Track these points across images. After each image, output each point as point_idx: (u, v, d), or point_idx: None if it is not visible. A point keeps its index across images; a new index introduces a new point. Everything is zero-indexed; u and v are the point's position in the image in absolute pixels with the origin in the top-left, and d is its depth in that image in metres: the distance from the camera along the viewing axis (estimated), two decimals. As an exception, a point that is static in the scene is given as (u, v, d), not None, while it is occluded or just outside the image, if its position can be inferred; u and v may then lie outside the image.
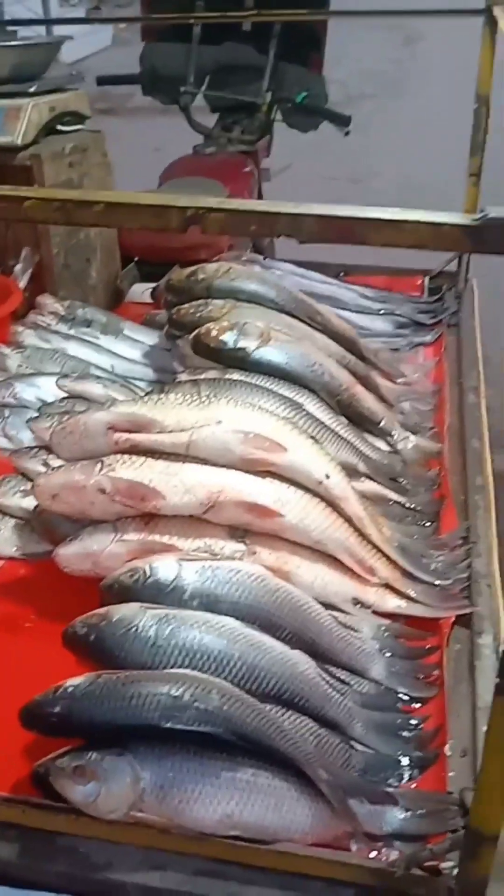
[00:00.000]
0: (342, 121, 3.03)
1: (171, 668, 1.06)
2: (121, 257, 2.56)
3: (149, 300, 2.43)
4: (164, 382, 1.96)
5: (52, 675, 1.20)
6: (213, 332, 1.66)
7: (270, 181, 3.55)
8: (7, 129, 2.08)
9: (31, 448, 1.62)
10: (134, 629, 1.09)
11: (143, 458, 1.33)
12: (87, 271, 2.37)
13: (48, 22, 3.44)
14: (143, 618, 1.10)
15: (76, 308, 2.15)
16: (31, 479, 1.56)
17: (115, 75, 3.24)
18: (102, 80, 3.18)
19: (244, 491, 1.29)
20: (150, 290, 2.38)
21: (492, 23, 2.21)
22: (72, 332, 2.07)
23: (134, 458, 1.33)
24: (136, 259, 2.61)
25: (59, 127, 2.23)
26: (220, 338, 1.65)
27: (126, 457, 1.33)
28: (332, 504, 1.36)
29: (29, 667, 1.26)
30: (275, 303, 1.85)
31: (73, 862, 0.98)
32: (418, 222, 0.71)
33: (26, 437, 1.78)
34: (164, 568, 1.18)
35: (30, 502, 1.52)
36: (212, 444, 1.32)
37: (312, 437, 1.40)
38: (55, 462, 1.56)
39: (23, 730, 1.11)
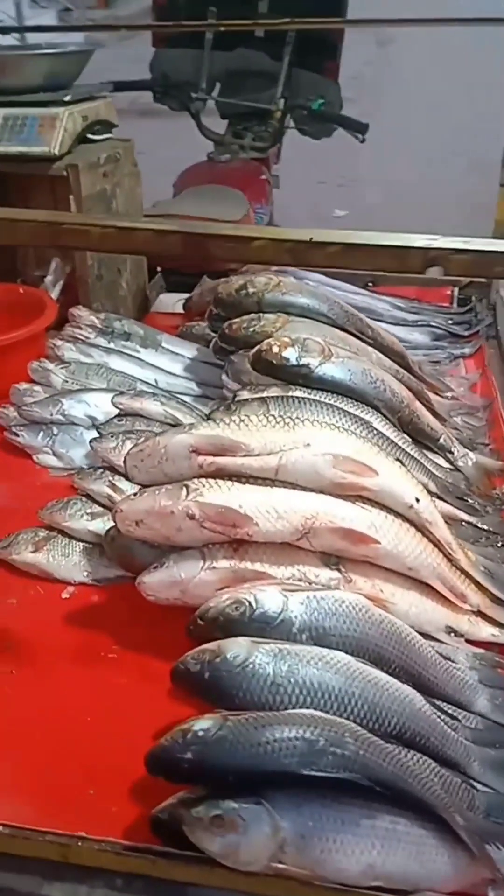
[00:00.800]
0: (359, 128, 3.01)
1: (292, 707, 1.02)
2: (147, 267, 2.51)
3: (176, 310, 2.39)
4: (208, 397, 1.93)
5: (147, 710, 1.17)
6: (275, 349, 1.61)
7: (279, 187, 3.53)
8: (43, 139, 2.02)
9: (95, 469, 1.57)
10: (251, 666, 1.04)
11: (230, 483, 1.28)
12: (118, 282, 2.32)
13: (57, 29, 3.37)
14: (257, 654, 1.05)
15: (113, 320, 2.10)
16: (96, 502, 1.52)
17: (126, 81, 3.18)
18: (113, 86, 3.13)
19: (339, 516, 1.25)
20: (182, 300, 2.34)
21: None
22: (112, 345, 2.02)
23: (221, 482, 1.28)
24: (160, 269, 2.57)
25: (90, 136, 2.18)
26: (283, 354, 1.61)
27: (212, 481, 1.28)
28: (421, 528, 1.33)
29: (122, 701, 1.22)
30: (326, 317, 1.82)
31: (208, 916, 0.94)
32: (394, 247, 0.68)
33: (77, 456, 1.74)
34: (271, 600, 1.14)
35: (98, 525, 1.47)
36: (301, 467, 1.28)
37: (398, 459, 1.37)
38: (122, 483, 1.52)
39: (127, 770, 1.08)
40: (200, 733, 0.95)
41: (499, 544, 1.50)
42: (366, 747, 0.96)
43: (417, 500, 1.32)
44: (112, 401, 1.70)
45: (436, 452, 1.72)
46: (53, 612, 1.38)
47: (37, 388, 1.87)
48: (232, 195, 2.76)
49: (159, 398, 1.73)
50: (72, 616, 1.38)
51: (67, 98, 2.10)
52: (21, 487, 1.69)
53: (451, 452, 1.73)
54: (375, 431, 1.49)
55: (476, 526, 1.54)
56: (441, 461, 1.71)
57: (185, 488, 1.28)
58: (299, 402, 1.50)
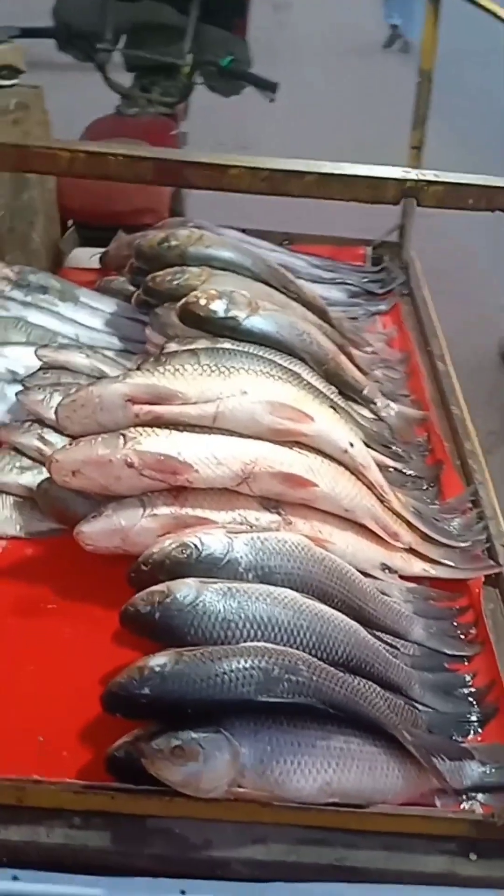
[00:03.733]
0: (268, 86, 3.00)
1: (244, 641, 1.04)
2: (60, 220, 2.45)
3: (91, 265, 2.34)
4: (129, 352, 1.91)
5: (91, 656, 1.17)
6: (203, 301, 1.61)
7: (187, 144, 3.49)
8: None
9: (23, 422, 1.53)
10: (201, 605, 1.06)
11: (168, 431, 1.29)
12: (29, 234, 2.26)
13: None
14: (206, 593, 1.07)
15: (27, 273, 2.03)
16: (26, 455, 1.49)
17: (28, 28, 3.06)
18: (12, 32, 3.00)
19: (278, 461, 1.28)
20: (97, 255, 2.30)
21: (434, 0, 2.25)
22: (28, 298, 1.96)
23: (158, 430, 1.29)
24: (73, 223, 2.51)
25: (-2, 81, 2.11)
26: (210, 307, 1.61)
27: (150, 429, 1.28)
28: (355, 472, 1.37)
29: (66, 649, 1.21)
30: (250, 271, 1.83)
31: (170, 844, 0.96)
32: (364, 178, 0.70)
33: (2, 411, 1.69)
34: (216, 542, 1.16)
35: (29, 479, 1.45)
36: (239, 415, 1.30)
37: (332, 406, 1.40)
38: (51, 436, 1.49)
39: (75, 714, 1.08)
40: (157, 668, 0.97)
41: (424, 487, 1.56)
42: (318, 674, 1.00)
43: (352, 445, 1.36)
44: (36, 353, 1.66)
45: (360, 403, 1.76)
46: (-13, 566, 1.36)
47: (-49, 341, 1.81)
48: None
49: (84, 350, 1.71)
50: (7, 570, 1.36)
51: (-32, 44, 2.01)
52: None
53: (375, 403, 1.78)
54: (306, 381, 1.51)
55: (402, 472, 1.60)
56: (365, 412, 1.76)
57: (122, 437, 1.27)
58: (230, 352, 1.51)
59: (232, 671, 0.96)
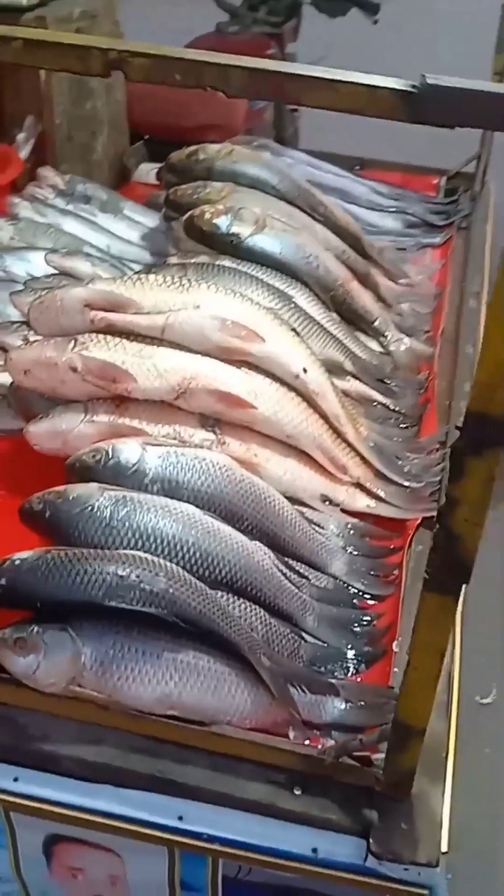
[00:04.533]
0: (371, 8, 2.87)
1: (123, 549, 1.05)
2: (130, 134, 2.45)
3: (155, 181, 2.34)
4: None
5: (12, 548, 1.21)
6: (207, 216, 1.59)
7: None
8: (14, -11, 1.96)
9: (13, 322, 1.58)
10: (89, 508, 1.07)
11: (117, 340, 1.29)
12: (91, 145, 2.27)
13: None
14: (100, 498, 1.08)
15: (76, 183, 2.07)
16: (9, 354, 1.54)
17: None
18: None
19: (217, 379, 1.25)
20: (156, 170, 2.29)
21: None
22: (69, 207, 2.00)
23: (109, 338, 1.29)
24: (145, 137, 2.51)
25: (70, -11, 2.10)
26: (214, 221, 1.59)
27: (101, 337, 1.29)
28: (307, 399, 1.32)
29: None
30: (276, 189, 1.77)
31: (10, 732, 1.00)
32: (355, 84, 0.65)
33: (15, 313, 1.74)
34: (128, 451, 1.16)
35: (7, 378, 1.49)
36: (188, 328, 1.28)
37: (294, 330, 1.36)
38: (35, 338, 1.53)
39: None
40: (17, 562, 1.00)
41: (406, 426, 1.49)
42: (177, 586, 0.99)
43: (305, 371, 1.32)
44: (45, 258, 1.70)
45: (369, 335, 1.69)
46: (-48, 456, 1.43)
47: (-15, 244, 1.88)
48: (228, 65, 2.65)
49: (92, 259, 1.72)
50: (-30, 463, 1.42)
51: None
52: (-44, 341, 1.71)
53: (385, 336, 1.70)
54: (289, 305, 1.47)
55: (388, 407, 1.53)
56: (374, 344, 1.69)
57: (73, 341, 1.29)
58: (216, 269, 1.48)
59: (86, 573, 0.98)
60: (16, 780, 0.98)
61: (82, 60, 0.71)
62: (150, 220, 2.06)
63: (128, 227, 2.02)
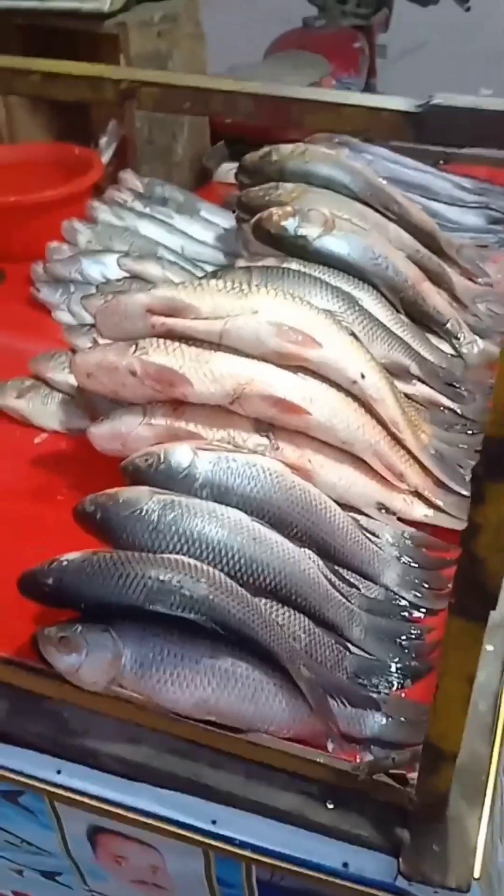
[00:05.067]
0: None
1: (168, 552, 1.06)
2: (211, 135, 2.47)
3: (234, 181, 2.35)
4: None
5: (71, 548, 1.24)
6: (275, 218, 1.59)
7: (387, 58, 3.34)
8: (96, -5, 2.01)
9: (84, 325, 1.62)
10: (138, 511, 1.09)
11: (176, 344, 1.30)
12: (172, 147, 2.30)
13: None
14: (148, 502, 1.10)
15: (155, 185, 2.10)
16: (79, 356, 1.58)
17: None
18: None
19: (272, 384, 1.25)
20: (234, 170, 2.30)
21: None
22: (146, 210, 2.03)
23: (168, 343, 1.30)
24: (225, 137, 2.52)
25: (151, -5, 2.14)
26: (282, 223, 1.58)
27: (160, 341, 1.31)
28: (365, 405, 1.30)
29: (53, 538, 1.30)
30: (348, 188, 1.75)
31: (54, 725, 1.03)
32: (357, 107, 0.64)
33: (89, 316, 1.79)
34: (179, 455, 1.17)
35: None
36: (245, 334, 1.28)
37: (353, 334, 1.34)
38: (101, 341, 1.57)
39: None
40: (64, 563, 1.02)
41: (470, 432, 1.45)
42: (218, 593, 1.00)
43: (363, 376, 1.30)
44: (117, 261, 1.74)
45: (441, 337, 1.66)
46: (23, 454, 1.48)
47: (65, 246, 1.93)
48: (312, 61, 2.63)
49: (163, 262, 1.75)
50: (38, 459, 1.47)
51: (123, -46, 2.06)
52: (34, 339, 1.77)
53: (458, 338, 1.66)
54: (354, 307, 1.45)
55: (455, 412, 1.49)
56: (445, 346, 1.65)
57: (134, 346, 1.31)
58: (281, 272, 1.48)
59: (128, 576, 0.99)
60: (59, 772, 1.01)
61: (95, 90, 0.72)
62: (226, 220, 2.08)
63: (203, 229, 2.04)
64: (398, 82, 3.49)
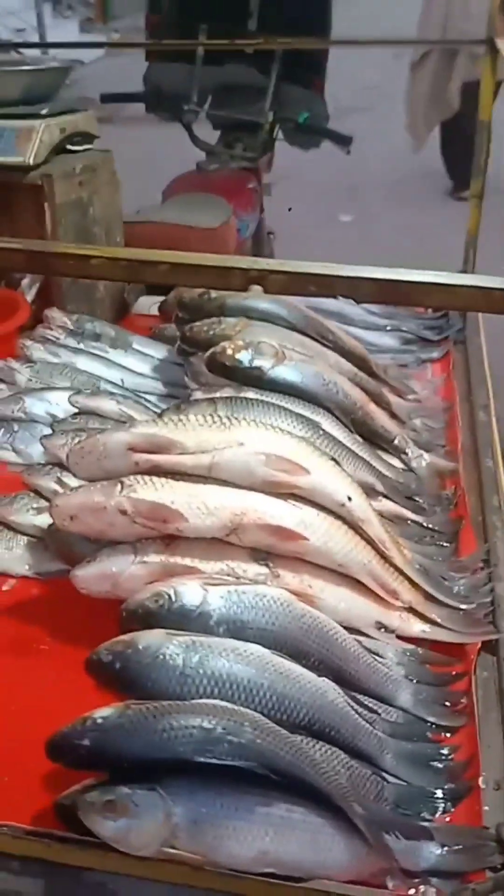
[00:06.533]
0: (343, 141, 3.07)
1: (200, 697, 1.03)
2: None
3: (155, 313, 2.41)
4: (174, 397, 1.95)
5: (72, 701, 1.17)
6: (229, 351, 1.64)
7: (271, 195, 3.56)
8: (19, 150, 2.08)
9: (44, 465, 1.59)
10: (161, 657, 1.06)
11: (164, 480, 1.30)
12: (94, 285, 2.34)
13: (54, 45, 3.46)
14: (170, 646, 1.07)
15: (84, 322, 2.13)
16: (43, 497, 1.54)
17: (119, 93, 3.24)
18: (106, 98, 3.17)
19: (268, 513, 1.27)
20: (158, 303, 2.37)
21: (492, 51, 2.22)
22: (81, 346, 2.05)
23: (154, 479, 1.30)
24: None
25: (70, 147, 2.22)
26: (236, 356, 1.63)
27: (147, 478, 1.30)
28: (353, 526, 1.34)
29: (48, 692, 1.24)
30: (286, 321, 1.84)
31: (100, 900, 0.95)
32: (470, 287, 0.71)
33: (35, 452, 1.76)
34: (190, 593, 1.15)
35: (43, 520, 1.49)
36: (234, 466, 1.30)
37: (333, 459, 1.38)
38: (70, 480, 1.54)
39: (43, 759, 1.09)
40: (100, 720, 0.97)
41: (442, 543, 1.51)
42: (264, 736, 0.97)
43: (350, 499, 1.34)
44: (69, 399, 1.73)
45: (390, 453, 1.73)
46: (-8, 604, 1.41)
47: (2, 386, 1.91)
48: (215, 203, 2.79)
49: (116, 397, 1.76)
50: (9, 608, 1.40)
51: (45, 111, 2.15)
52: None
53: (406, 453, 1.74)
54: (319, 432, 1.50)
55: (421, 525, 1.55)
56: (395, 462, 1.72)
57: (119, 484, 1.30)
58: (246, 402, 1.52)
59: (172, 729, 0.95)
60: None
61: (222, 278, 0.76)
62: (158, 352, 2.12)
63: (139, 361, 2.07)
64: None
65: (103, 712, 0.98)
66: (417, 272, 0.75)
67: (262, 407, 1.49)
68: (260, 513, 1.26)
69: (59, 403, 1.82)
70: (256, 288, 1.87)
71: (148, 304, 2.47)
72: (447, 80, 5.89)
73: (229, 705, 1.00)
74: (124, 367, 2.01)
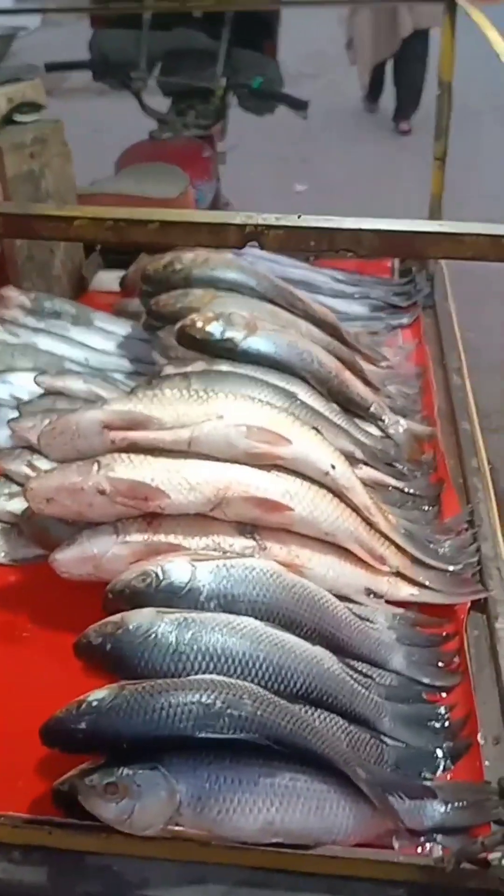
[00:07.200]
0: (300, 105, 3.02)
1: (195, 674, 1.02)
2: (84, 245, 2.48)
3: (115, 289, 2.36)
4: (141, 373, 1.91)
5: (58, 687, 1.15)
6: (199, 324, 1.61)
7: (226, 163, 3.51)
8: (-36, 123, 2.00)
9: (13, 448, 1.55)
10: (153, 636, 1.04)
11: (142, 457, 1.28)
12: (50, 262, 2.29)
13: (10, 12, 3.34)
14: (161, 623, 1.05)
15: (43, 300, 2.07)
16: (15, 481, 1.51)
17: (65, 62, 3.15)
18: (51, 67, 3.08)
19: (252, 486, 1.25)
20: (119, 278, 2.32)
21: (452, 10, 2.19)
22: (41, 325, 1.99)
23: (132, 456, 1.27)
24: (98, 247, 2.54)
25: (17, 117, 2.15)
26: (207, 329, 1.60)
27: (124, 456, 1.27)
28: (338, 494, 1.32)
29: (33, 678, 1.21)
30: (255, 291, 1.81)
31: (106, 882, 0.94)
32: (478, 235, 0.69)
33: (2, 437, 1.71)
34: (178, 570, 1.13)
35: (16, 505, 1.46)
36: (214, 439, 1.28)
37: (314, 428, 1.37)
38: (41, 463, 1.50)
39: (33, 746, 1.06)
40: (95, 703, 0.95)
41: (424, 507, 1.50)
42: (263, 707, 0.96)
43: (333, 467, 1.32)
44: (34, 380, 1.69)
45: (367, 420, 1.72)
46: (-30, 594, 1.37)
47: (-37, 371, 1.85)
48: (171, 172, 2.73)
49: (83, 376, 1.72)
50: (-12, 597, 1.37)
51: (-11, 81, 2.07)
52: None
53: (382, 420, 1.73)
54: (297, 402, 1.48)
55: (403, 490, 1.54)
56: (372, 429, 1.71)
57: (96, 464, 1.27)
58: (221, 375, 1.50)
59: (170, 706, 0.94)
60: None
61: (216, 235, 0.73)
62: (122, 328, 2.07)
63: (102, 338, 2.03)
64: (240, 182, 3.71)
65: (98, 694, 0.96)
66: (422, 222, 0.73)
67: (238, 379, 1.47)
68: (244, 485, 1.25)
69: (22, 385, 1.77)
70: (203, 255, 1.84)
71: (108, 280, 2.42)
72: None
73: (227, 679, 0.99)
74: (88, 346, 1.96)
